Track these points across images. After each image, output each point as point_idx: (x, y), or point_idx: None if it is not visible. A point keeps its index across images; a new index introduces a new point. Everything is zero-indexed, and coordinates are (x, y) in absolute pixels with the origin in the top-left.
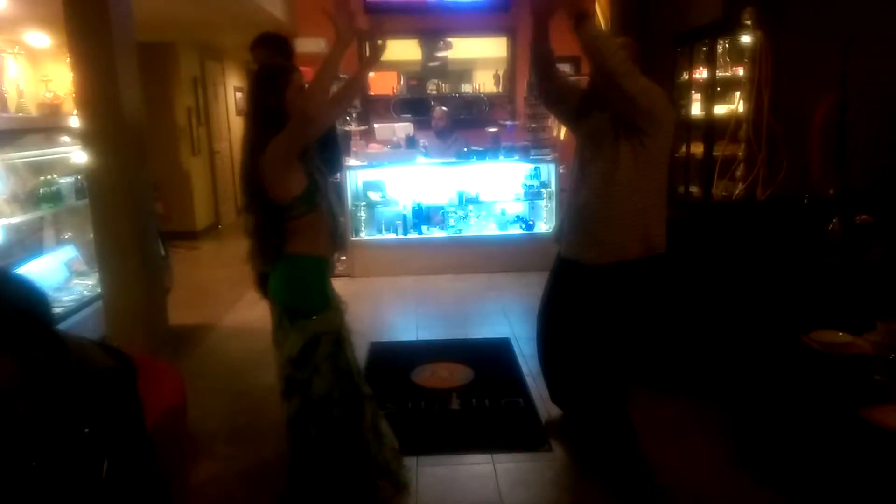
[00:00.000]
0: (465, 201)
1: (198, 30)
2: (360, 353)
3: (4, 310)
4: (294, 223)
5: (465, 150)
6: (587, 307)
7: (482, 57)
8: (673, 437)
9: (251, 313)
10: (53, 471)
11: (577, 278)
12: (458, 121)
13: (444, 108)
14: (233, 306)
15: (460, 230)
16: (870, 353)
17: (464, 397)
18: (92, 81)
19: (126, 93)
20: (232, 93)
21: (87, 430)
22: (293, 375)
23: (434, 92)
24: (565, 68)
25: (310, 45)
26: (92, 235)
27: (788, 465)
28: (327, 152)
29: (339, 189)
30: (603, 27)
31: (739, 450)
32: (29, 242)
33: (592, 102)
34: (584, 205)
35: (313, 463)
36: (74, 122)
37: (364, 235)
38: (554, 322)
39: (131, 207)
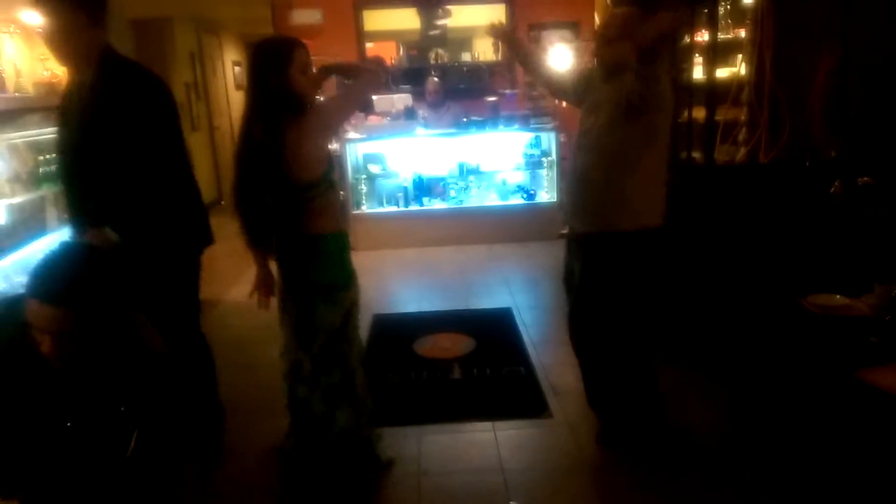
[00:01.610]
0: (465, 172)
1: (193, 3)
2: (364, 325)
3: (84, 279)
4: (315, 203)
5: (464, 119)
6: (583, 276)
7: (481, 25)
8: (672, 403)
9: None
10: (83, 436)
11: (575, 247)
12: (457, 90)
13: (436, 80)
14: (236, 281)
15: (461, 201)
16: (867, 315)
17: (465, 367)
18: None
19: None
20: (230, 67)
21: (122, 408)
22: (334, 349)
23: (434, 62)
24: (565, 34)
25: (306, 17)
26: None
27: (787, 428)
28: None
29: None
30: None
31: (739, 414)
32: (32, 223)
33: (595, 74)
34: (581, 174)
35: (335, 437)
36: None
37: (365, 209)
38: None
39: None
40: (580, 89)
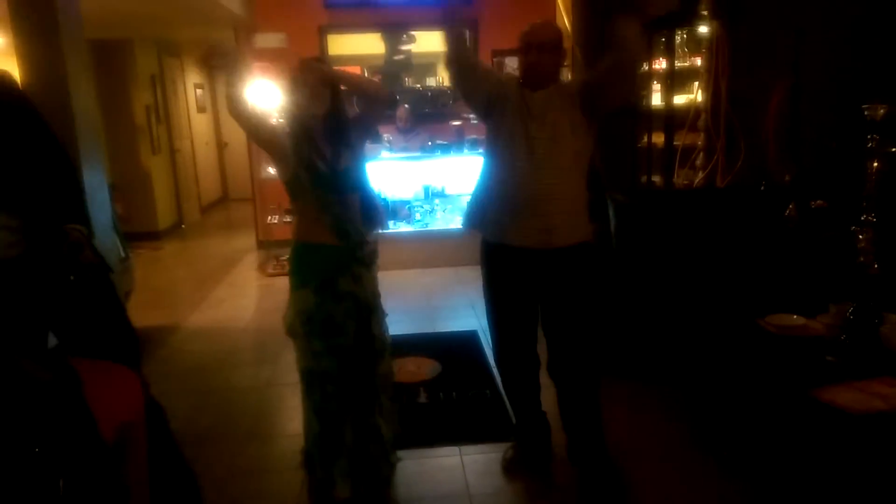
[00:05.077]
0: (431, 195)
1: (154, 25)
2: None
3: None
4: (295, 204)
5: (430, 143)
6: (566, 290)
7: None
8: (632, 422)
9: (215, 313)
10: (5, 492)
11: (544, 265)
12: (422, 115)
13: (406, 107)
14: (197, 306)
15: (427, 224)
16: (823, 334)
17: (431, 391)
18: (41, 81)
19: (77, 92)
20: (192, 89)
21: (37, 448)
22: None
23: (397, 87)
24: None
25: (270, 41)
26: None
27: (746, 446)
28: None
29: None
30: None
31: (698, 432)
32: None
33: (515, 84)
34: (548, 186)
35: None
36: None
37: None
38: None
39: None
40: (493, 97)
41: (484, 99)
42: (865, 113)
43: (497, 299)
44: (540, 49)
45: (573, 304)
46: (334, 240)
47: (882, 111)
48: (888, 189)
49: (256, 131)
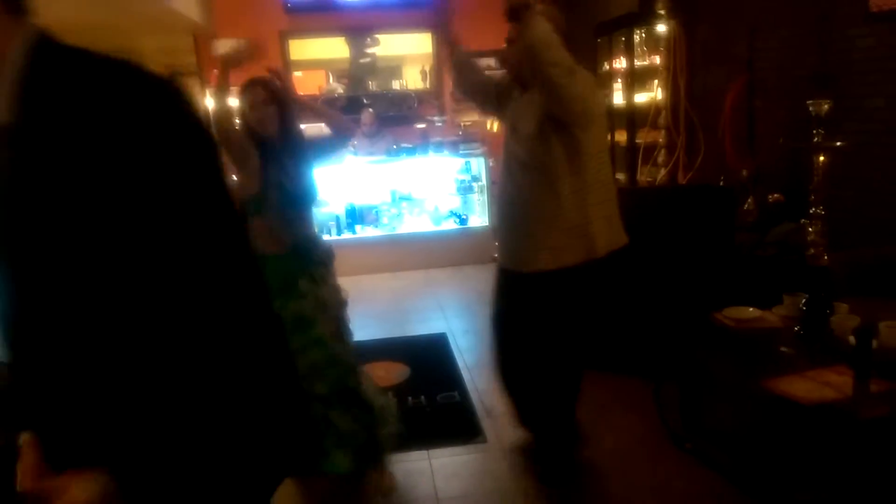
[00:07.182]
0: (398, 199)
1: (110, 35)
2: None
3: None
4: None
5: (395, 146)
6: (530, 318)
7: (410, 53)
8: (598, 414)
9: None
10: None
11: (517, 289)
12: (387, 118)
13: (371, 111)
14: None
15: (395, 228)
16: (778, 326)
17: (400, 395)
18: None
19: None
20: None
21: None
22: None
23: (362, 91)
24: (489, 62)
25: (229, 47)
26: None
27: (708, 438)
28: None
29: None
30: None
31: (662, 424)
32: None
33: (512, 87)
34: (516, 206)
35: None
36: None
37: None
38: (508, 337)
39: None
40: (498, 98)
41: (494, 105)
42: (810, 108)
43: (494, 314)
44: (509, 44)
45: (532, 335)
46: (282, 249)
47: (826, 106)
48: (835, 182)
49: (228, 141)
